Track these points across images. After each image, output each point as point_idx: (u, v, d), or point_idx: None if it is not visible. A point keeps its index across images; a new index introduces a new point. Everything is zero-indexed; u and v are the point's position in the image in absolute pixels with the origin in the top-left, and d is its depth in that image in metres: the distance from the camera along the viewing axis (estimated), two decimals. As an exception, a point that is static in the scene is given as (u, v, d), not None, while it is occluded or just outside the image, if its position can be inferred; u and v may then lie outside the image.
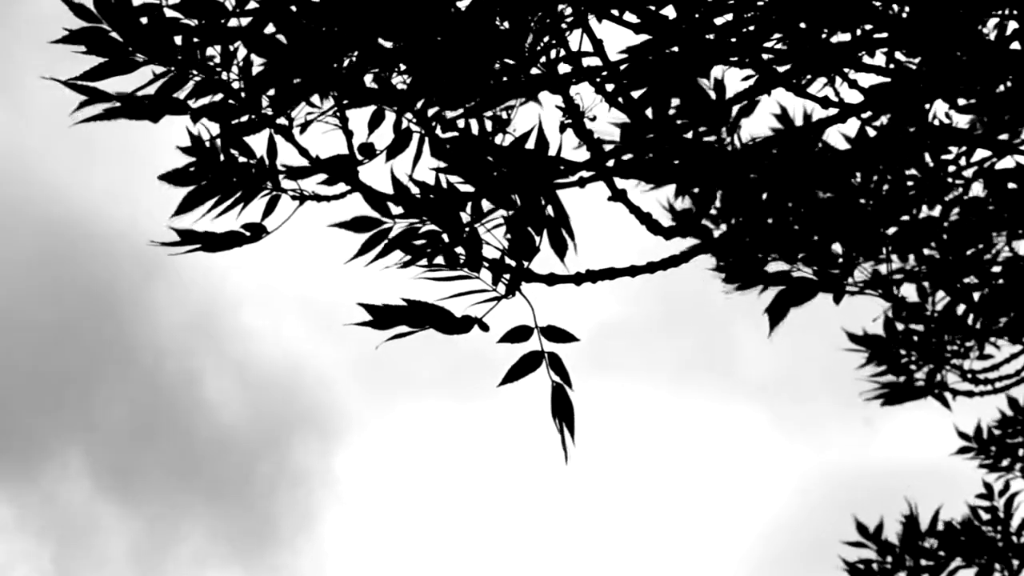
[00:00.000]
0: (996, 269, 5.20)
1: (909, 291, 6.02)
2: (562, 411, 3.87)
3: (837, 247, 4.47)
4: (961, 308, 5.76)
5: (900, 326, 6.46)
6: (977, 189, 5.31)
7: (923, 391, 6.77)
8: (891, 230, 4.50)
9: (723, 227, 4.77)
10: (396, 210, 3.87)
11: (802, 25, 4.22)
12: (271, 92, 3.76)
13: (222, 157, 3.84)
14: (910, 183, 4.91)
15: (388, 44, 3.78)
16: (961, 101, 4.65)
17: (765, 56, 4.27)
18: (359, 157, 3.90)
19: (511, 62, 3.88)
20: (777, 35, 4.22)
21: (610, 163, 4.14)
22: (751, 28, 4.18)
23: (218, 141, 3.84)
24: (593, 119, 4.09)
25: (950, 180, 5.18)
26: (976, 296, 5.29)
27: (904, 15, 4.25)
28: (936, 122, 4.74)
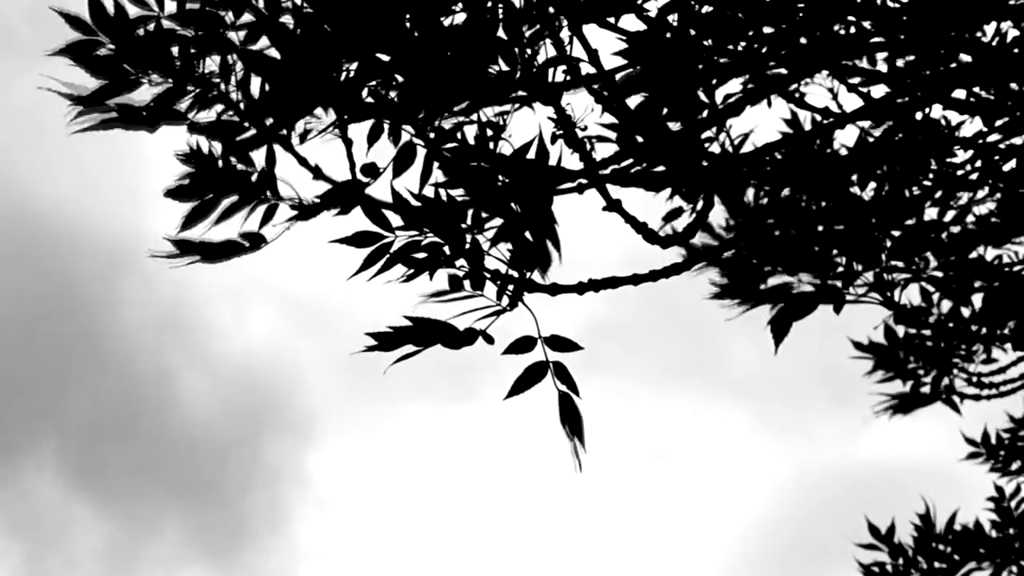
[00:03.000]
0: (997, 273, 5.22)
1: (913, 294, 6.03)
2: (570, 420, 3.87)
3: (837, 256, 4.49)
4: (965, 312, 5.77)
5: (902, 331, 6.48)
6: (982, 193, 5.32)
7: (932, 397, 6.78)
8: (891, 238, 4.52)
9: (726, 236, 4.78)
10: (396, 222, 3.87)
11: (799, 21, 4.24)
12: (272, 111, 3.74)
13: (220, 164, 3.81)
14: (912, 189, 4.93)
15: (384, 56, 3.79)
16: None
17: (761, 61, 4.29)
18: (363, 179, 3.89)
19: (505, 68, 3.89)
20: (773, 35, 4.24)
21: (607, 171, 4.15)
22: (748, 31, 4.20)
23: (217, 151, 3.81)
24: (584, 129, 4.11)
25: (957, 180, 5.19)
26: (978, 301, 5.31)
27: (903, 16, 4.27)
28: (939, 124, 4.76)
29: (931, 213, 5.40)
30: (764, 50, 4.27)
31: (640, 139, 4.25)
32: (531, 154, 3.94)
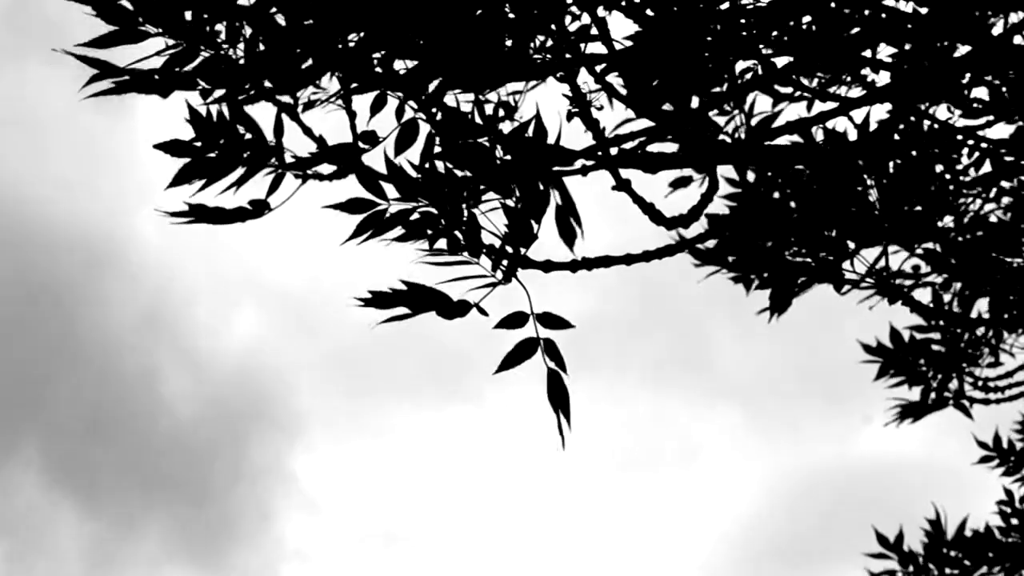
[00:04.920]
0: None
1: (923, 296, 6.04)
2: (558, 397, 3.90)
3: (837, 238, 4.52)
4: (972, 313, 5.79)
5: (907, 335, 6.49)
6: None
7: (941, 404, 6.78)
8: (892, 221, 4.54)
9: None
10: (393, 194, 3.91)
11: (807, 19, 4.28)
12: (275, 71, 3.79)
13: (225, 131, 3.86)
14: (919, 181, 4.95)
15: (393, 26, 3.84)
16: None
17: (767, 50, 4.33)
18: (362, 145, 3.95)
19: (518, 44, 3.93)
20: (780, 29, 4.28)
21: (614, 151, 4.19)
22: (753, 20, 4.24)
23: (224, 112, 3.85)
24: (600, 108, 4.16)
25: (963, 188, 5.22)
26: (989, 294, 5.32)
27: (909, 10, 4.30)
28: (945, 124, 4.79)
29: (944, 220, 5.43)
30: (771, 38, 4.32)
31: (651, 102, 4.27)
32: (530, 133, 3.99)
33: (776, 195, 4.49)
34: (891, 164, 4.73)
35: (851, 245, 4.50)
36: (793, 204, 4.47)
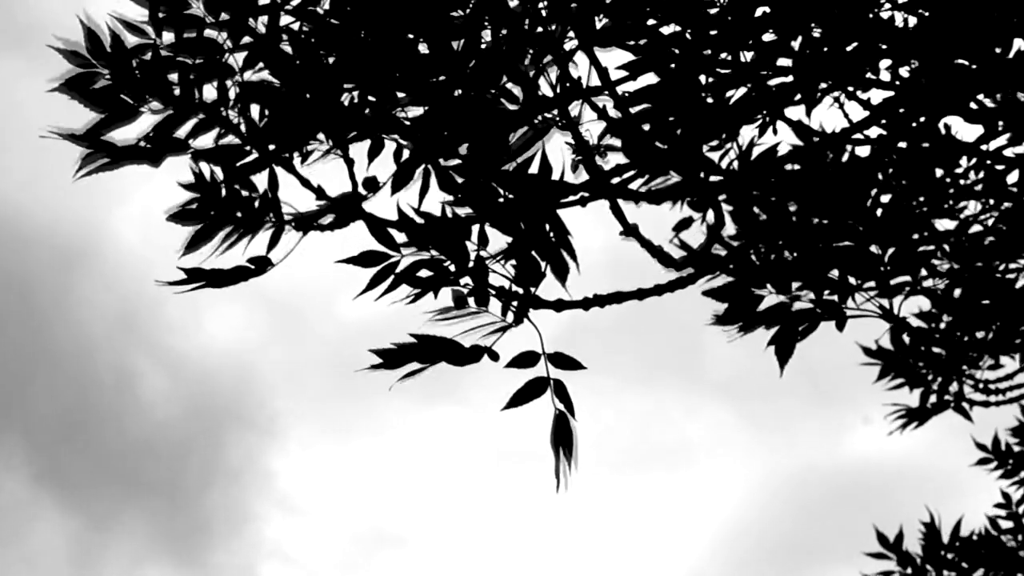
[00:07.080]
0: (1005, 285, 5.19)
1: (921, 302, 5.99)
2: (562, 439, 3.87)
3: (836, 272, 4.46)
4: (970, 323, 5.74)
5: (908, 339, 6.44)
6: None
7: (943, 406, 6.73)
8: (893, 249, 4.48)
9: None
10: (401, 240, 3.86)
11: (807, 37, 4.22)
12: (275, 137, 3.73)
13: (224, 193, 3.81)
14: (918, 200, 4.89)
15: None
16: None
17: (765, 72, 4.27)
18: (363, 192, 3.88)
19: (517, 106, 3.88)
20: (777, 49, 4.21)
21: (615, 180, 4.13)
22: (751, 43, 4.18)
23: (220, 178, 3.81)
24: (604, 155, 4.11)
25: (960, 189, 5.16)
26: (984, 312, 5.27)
27: (911, 27, 4.24)
28: (942, 131, 4.73)
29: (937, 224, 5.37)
30: (766, 60, 4.25)
31: (648, 151, 4.22)
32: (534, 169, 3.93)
33: (775, 236, 4.42)
34: (889, 184, 4.66)
35: (854, 282, 4.44)
36: (792, 246, 4.40)
